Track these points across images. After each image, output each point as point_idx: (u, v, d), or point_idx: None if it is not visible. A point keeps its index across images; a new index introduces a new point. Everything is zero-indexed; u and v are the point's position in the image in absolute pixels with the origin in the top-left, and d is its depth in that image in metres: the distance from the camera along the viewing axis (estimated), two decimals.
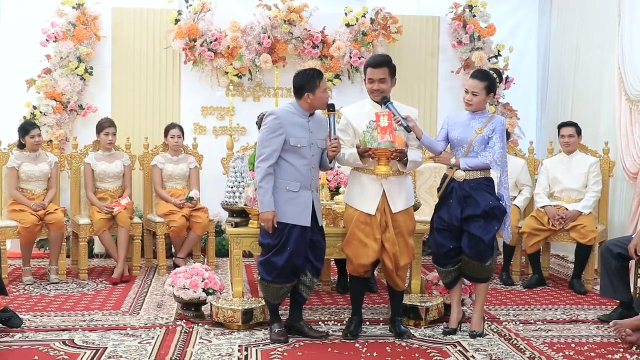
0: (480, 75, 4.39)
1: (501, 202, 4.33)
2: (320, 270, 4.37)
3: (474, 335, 4.32)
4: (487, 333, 4.41)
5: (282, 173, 4.15)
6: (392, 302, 4.47)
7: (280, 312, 4.76)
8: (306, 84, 4.19)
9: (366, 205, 4.25)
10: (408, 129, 4.19)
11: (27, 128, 5.87)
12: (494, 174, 4.38)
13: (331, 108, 4.25)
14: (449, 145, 4.46)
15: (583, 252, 5.70)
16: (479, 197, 4.29)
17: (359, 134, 4.20)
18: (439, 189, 4.49)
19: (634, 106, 5.98)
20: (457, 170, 4.33)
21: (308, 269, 4.25)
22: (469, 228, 4.30)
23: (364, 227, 4.25)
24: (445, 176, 4.44)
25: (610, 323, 4.35)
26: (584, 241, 5.63)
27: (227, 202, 5.14)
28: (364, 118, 4.22)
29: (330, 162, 4.27)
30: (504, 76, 7.52)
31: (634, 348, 4.12)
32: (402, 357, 3.94)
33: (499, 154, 4.28)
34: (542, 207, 5.87)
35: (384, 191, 4.23)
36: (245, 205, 4.75)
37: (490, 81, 4.35)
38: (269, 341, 4.20)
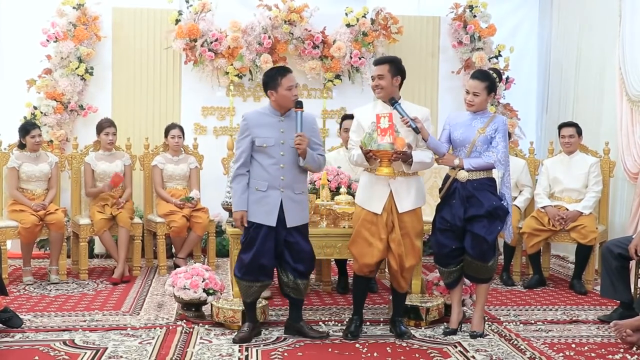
0: (481, 75, 4.40)
1: (503, 202, 4.34)
2: (303, 272, 4.24)
3: (474, 336, 4.32)
4: (488, 333, 4.41)
5: (253, 173, 4.19)
6: (394, 303, 4.46)
7: (280, 312, 4.77)
8: (269, 81, 4.21)
9: (373, 204, 4.25)
10: (416, 131, 4.18)
11: (27, 128, 5.87)
12: (496, 174, 4.38)
13: (298, 105, 4.19)
14: (450, 146, 4.47)
15: (583, 252, 5.70)
16: (482, 197, 4.29)
17: None
18: (440, 190, 4.49)
19: (634, 106, 5.98)
20: (459, 170, 4.33)
21: (289, 270, 4.22)
22: (472, 228, 4.30)
23: (369, 226, 4.25)
24: (447, 176, 4.44)
25: (611, 323, 4.35)
26: (584, 241, 5.63)
27: (227, 202, 5.13)
28: (373, 118, 4.22)
29: (303, 160, 4.14)
30: (504, 76, 7.54)
31: (634, 348, 4.11)
32: (402, 357, 3.94)
33: (503, 154, 4.29)
34: (543, 207, 5.87)
35: (390, 191, 4.22)
36: None
37: (490, 81, 4.36)
38: (262, 340, 4.21)
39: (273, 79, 4.18)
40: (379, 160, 4.10)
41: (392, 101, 4.24)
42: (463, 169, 4.31)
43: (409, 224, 4.27)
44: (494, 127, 4.33)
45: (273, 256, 4.18)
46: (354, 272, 4.41)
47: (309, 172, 4.42)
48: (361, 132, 4.27)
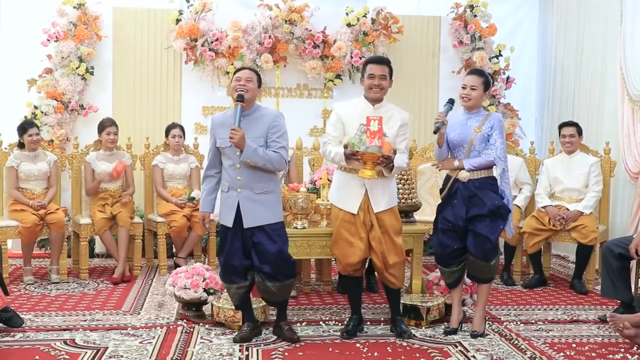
0: (477, 71, 4.49)
1: (504, 200, 4.35)
2: (270, 274, 4.12)
3: (475, 335, 4.32)
4: (488, 333, 4.41)
5: (222, 174, 4.25)
6: (389, 301, 4.46)
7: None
8: None
9: (349, 204, 4.26)
10: (435, 132, 4.25)
11: (25, 127, 5.87)
12: (496, 172, 4.39)
13: (239, 98, 4.10)
14: (448, 149, 4.48)
15: (584, 252, 5.70)
16: (484, 197, 4.30)
17: (348, 130, 4.20)
18: (441, 190, 4.49)
19: (635, 106, 5.97)
20: (460, 171, 4.33)
21: (256, 271, 4.18)
22: (474, 227, 4.30)
23: (349, 227, 4.26)
24: (448, 177, 4.44)
25: (607, 314, 4.36)
26: (585, 241, 5.63)
27: None
28: (355, 116, 4.21)
29: (242, 155, 4.04)
30: (505, 76, 7.56)
31: (635, 348, 4.11)
32: (402, 357, 3.94)
33: (501, 150, 4.31)
34: (543, 207, 5.86)
35: (366, 190, 4.22)
36: None
37: (486, 78, 4.43)
38: (262, 340, 4.21)
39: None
40: (364, 162, 4.07)
41: (451, 100, 4.38)
42: (464, 169, 4.32)
43: (387, 222, 4.26)
44: (490, 124, 4.34)
45: (242, 257, 4.16)
46: (341, 273, 4.40)
47: (278, 171, 4.30)
48: (339, 127, 4.25)
